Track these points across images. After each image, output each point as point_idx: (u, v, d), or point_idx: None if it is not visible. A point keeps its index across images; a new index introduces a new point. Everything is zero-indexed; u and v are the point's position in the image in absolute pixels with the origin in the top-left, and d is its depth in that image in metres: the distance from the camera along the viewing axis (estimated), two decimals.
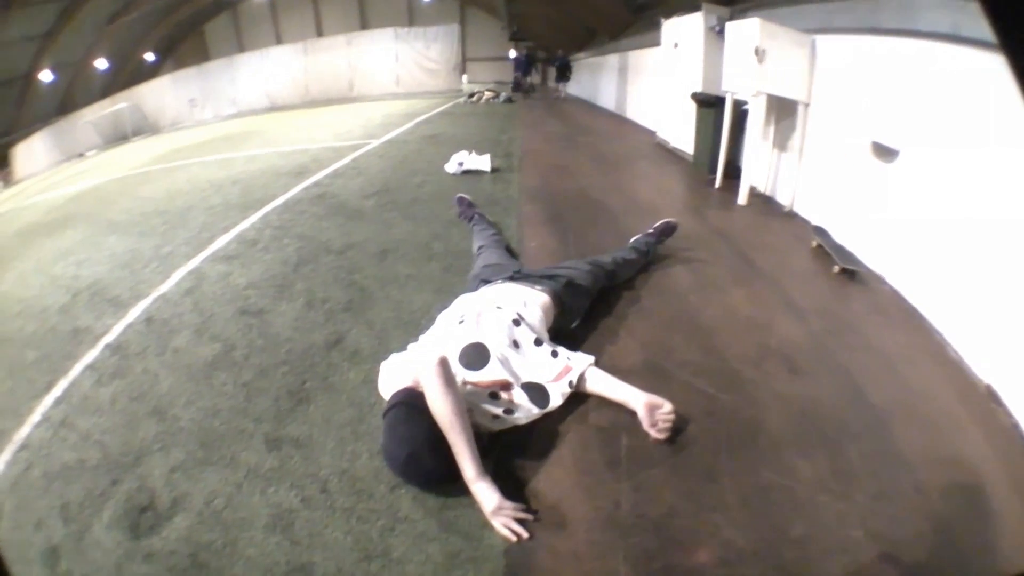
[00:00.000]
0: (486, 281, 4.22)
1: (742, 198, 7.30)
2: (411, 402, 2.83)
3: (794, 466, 2.84)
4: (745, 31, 6.85)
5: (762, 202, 7.41)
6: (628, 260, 4.98)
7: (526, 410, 3.17)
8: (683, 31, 10.06)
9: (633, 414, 3.20)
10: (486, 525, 2.58)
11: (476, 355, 3.25)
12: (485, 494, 2.64)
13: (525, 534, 2.50)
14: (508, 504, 2.61)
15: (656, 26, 11.61)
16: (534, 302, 3.83)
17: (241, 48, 41.95)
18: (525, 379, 3.28)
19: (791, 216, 6.80)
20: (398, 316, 4.64)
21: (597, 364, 3.51)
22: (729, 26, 7.67)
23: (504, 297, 3.82)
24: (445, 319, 3.73)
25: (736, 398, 3.38)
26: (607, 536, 2.51)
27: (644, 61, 14.55)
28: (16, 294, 6.44)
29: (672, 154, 10.89)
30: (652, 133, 12.63)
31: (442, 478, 2.77)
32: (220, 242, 6.94)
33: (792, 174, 6.92)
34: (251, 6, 45.54)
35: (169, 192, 10.74)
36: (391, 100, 28.28)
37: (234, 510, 2.82)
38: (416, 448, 2.72)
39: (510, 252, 5.45)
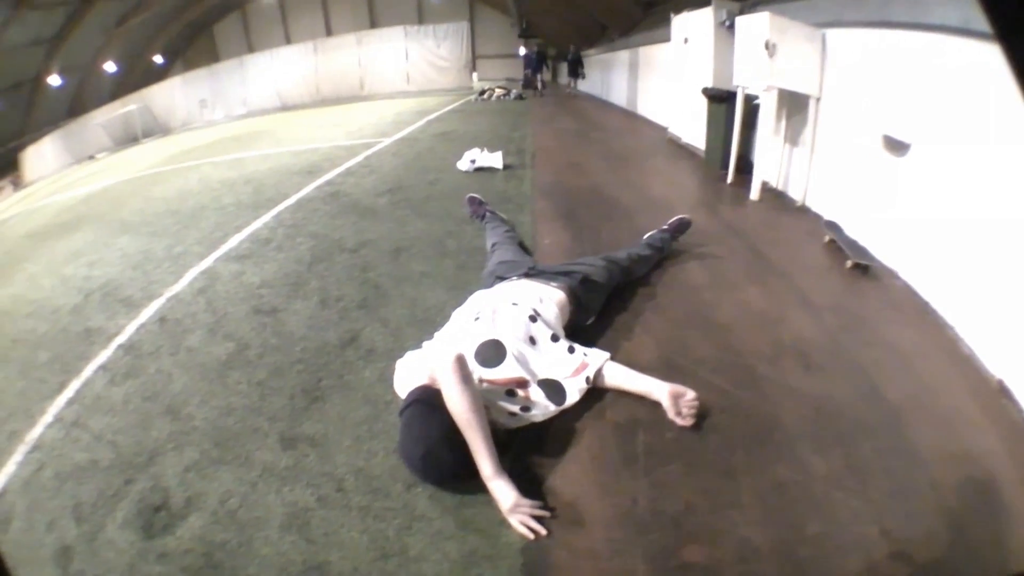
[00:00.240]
0: (501, 278, 4.21)
1: (754, 193, 7.27)
2: (427, 400, 2.82)
3: (809, 463, 2.83)
4: (755, 25, 6.82)
5: (774, 197, 7.37)
6: (643, 256, 4.96)
7: (543, 407, 3.16)
8: (693, 26, 10.02)
9: (651, 408, 3.20)
10: (503, 523, 2.57)
11: (492, 352, 3.24)
12: (502, 491, 2.63)
13: (543, 531, 2.49)
14: (525, 501, 2.59)
15: (666, 22, 11.58)
16: (550, 299, 3.82)
17: (251, 48, 42.07)
18: (542, 376, 3.27)
19: (803, 211, 6.76)
20: (413, 314, 4.64)
21: (613, 361, 3.50)
22: (739, 21, 7.63)
23: (520, 294, 3.80)
24: (460, 316, 3.72)
25: (752, 395, 3.36)
26: (624, 533, 2.49)
27: (655, 57, 14.52)
28: (28, 295, 6.46)
29: (684, 150, 10.86)
30: (664, 129, 12.59)
31: (459, 476, 2.76)
32: (233, 241, 6.95)
33: (804, 169, 6.88)
34: (260, 6, 45.67)
35: (181, 192, 10.77)
36: (402, 98, 28.33)
37: (249, 509, 2.82)
38: (432, 446, 2.71)
39: (524, 249, 5.44)
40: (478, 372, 3.10)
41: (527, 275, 4.16)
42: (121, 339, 4.86)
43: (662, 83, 13.36)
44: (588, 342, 3.69)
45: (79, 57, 33.88)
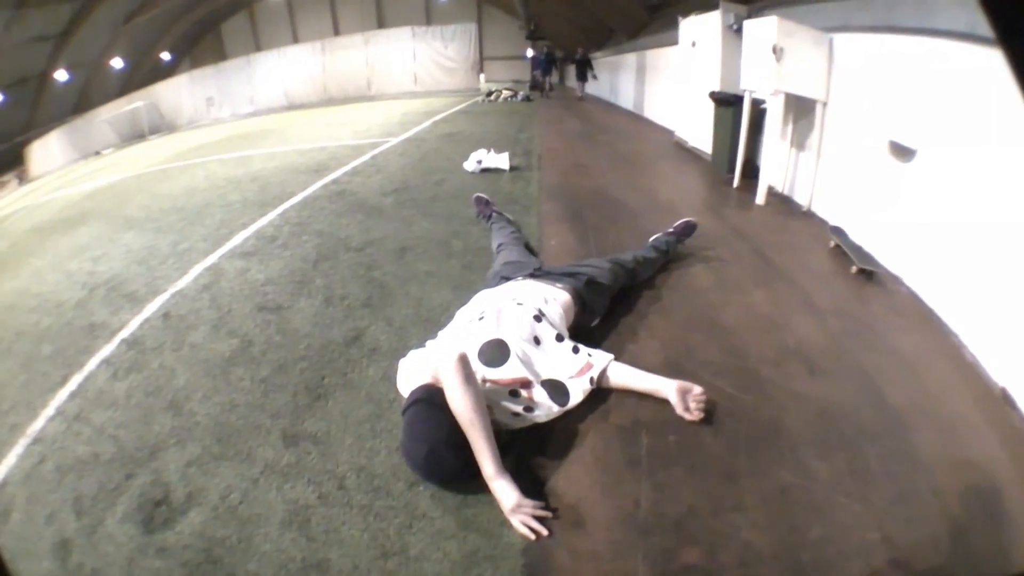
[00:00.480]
0: (506, 278, 4.20)
1: (760, 197, 7.26)
2: (430, 399, 2.82)
3: (812, 467, 2.82)
4: (763, 29, 6.82)
5: (780, 202, 7.36)
6: (648, 259, 4.95)
7: (546, 408, 3.15)
8: (701, 30, 10.02)
9: (655, 411, 3.21)
10: (505, 523, 2.56)
11: (496, 352, 3.23)
12: (504, 492, 2.62)
13: (544, 532, 2.48)
14: (527, 502, 2.59)
15: (674, 25, 11.57)
16: (555, 299, 3.81)
17: (258, 47, 42.08)
18: (545, 376, 3.26)
19: (809, 216, 6.76)
20: (417, 313, 4.64)
21: (618, 362, 3.50)
22: (747, 24, 7.64)
23: (525, 293, 3.79)
24: (464, 315, 3.71)
25: (755, 398, 3.35)
26: (626, 535, 2.48)
27: (662, 60, 14.51)
28: (32, 289, 6.48)
29: (690, 153, 10.85)
30: (670, 132, 12.58)
31: (461, 476, 2.76)
32: (238, 238, 6.95)
33: (810, 173, 6.87)
34: (268, 5, 45.67)
35: (187, 189, 10.79)
36: (409, 99, 28.32)
37: (250, 505, 2.82)
38: (435, 446, 2.71)
39: (529, 250, 5.42)
40: (481, 372, 3.09)
41: (532, 276, 4.15)
42: (125, 334, 4.87)
43: (669, 86, 13.36)
44: (593, 344, 3.68)
45: (86, 53, 33.94)
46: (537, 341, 3.40)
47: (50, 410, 3.95)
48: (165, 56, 41.59)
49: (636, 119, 17.47)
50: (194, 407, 3.69)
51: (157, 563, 2.56)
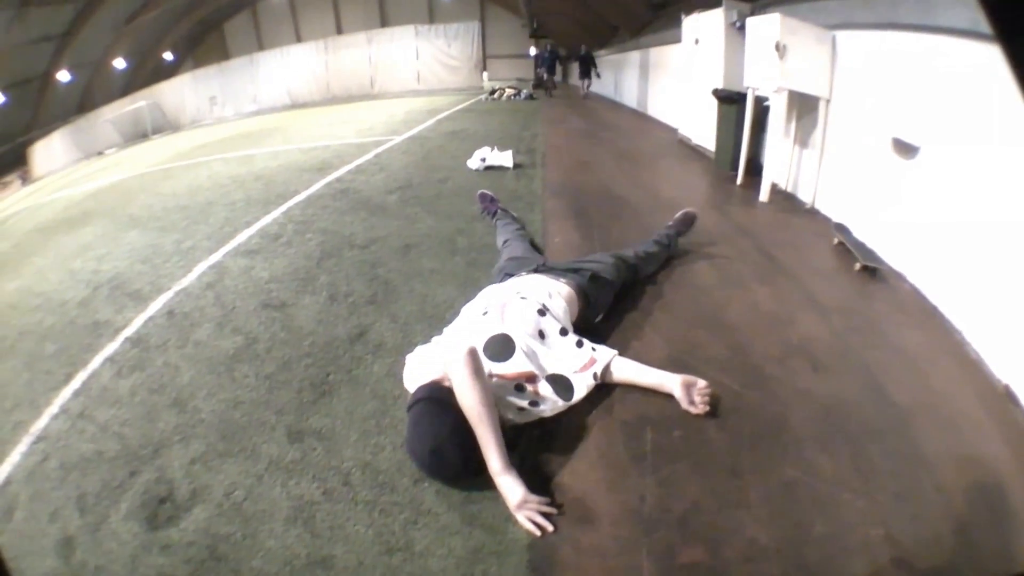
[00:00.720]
0: (510, 274, 4.20)
1: (763, 195, 7.26)
2: (437, 396, 2.82)
3: (817, 463, 2.82)
4: (766, 27, 6.81)
5: (783, 199, 7.36)
6: (651, 254, 4.96)
7: (551, 402, 3.15)
8: (704, 27, 10.01)
9: (660, 406, 3.22)
10: (510, 519, 2.56)
11: (501, 346, 3.23)
12: (510, 487, 2.62)
13: (550, 527, 2.48)
14: (533, 498, 2.59)
15: (677, 22, 11.56)
16: (559, 294, 3.81)
17: (261, 46, 42.01)
18: (550, 371, 3.26)
19: (812, 213, 6.75)
20: (422, 310, 4.64)
21: (622, 357, 3.50)
22: (750, 22, 7.63)
23: (529, 288, 3.79)
24: (469, 311, 3.71)
25: (760, 394, 3.35)
26: (631, 531, 2.48)
27: (665, 58, 14.51)
28: (36, 288, 6.48)
29: (694, 151, 10.84)
30: (674, 130, 12.57)
31: (465, 474, 2.76)
32: (242, 237, 6.96)
33: (813, 171, 6.85)
34: (270, 4, 45.61)
35: (190, 188, 10.79)
36: (412, 97, 28.32)
37: (254, 502, 2.82)
38: (440, 443, 2.71)
39: (534, 247, 5.42)
40: (487, 366, 3.07)
41: (536, 271, 4.15)
42: (129, 332, 4.87)
43: (672, 84, 13.35)
44: (597, 340, 3.67)
45: (89, 53, 33.91)
46: (542, 335, 3.41)
47: (54, 408, 3.95)
48: (168, 56, 41.56)
49: (639, 117, 17.47)
50: (198, 404, 3.69)
51: (161, 560, 2.56)
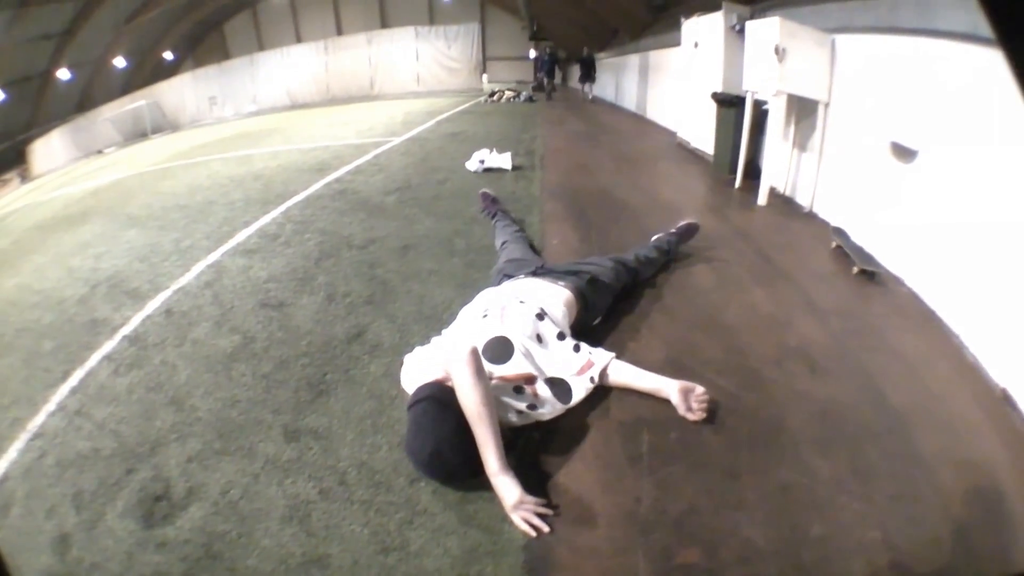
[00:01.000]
0: (509, 276, 4.21)
1: (762, 198, 7.26)
2: (439, 397, 2.81)
3: (814, 466, 2.82)
4: (765, 30, 6.82)
5: (782, 202, 7.36)
6: (650, 259, 4.96)
7: (550, 405, 3.15)
8: (703, 30, 10.02)
9: (656, 408, 3.22)
10: (506, 519, 2.56)
11: (500, 348, 3.23)
12: (507, 488, 2.62)
13: (545, 528, 2.48)
14: (529, 499, 2.59)
15: (676, 26, 11.57)
16: (557, 297, 3.81)
17: (261, 46, 42.06)
18: (548, 374, 3.26)
19: (811, 217, 6.75)
20: (420, 310, 4.64)
21: (619, 360, 3.51)
22: (749, 25, 7.64)
23: (528, 291, 3.80)
24: (468, 313, 3.72)
25: (757, 397, 3.36)
26: (627, 532, 2.48)
27: (664, 61, 14.51)
28: (34, 285, 6.48)
29: (692, 154, 10.86)
30: (673, 133, 12.59)
31: (463, 474, 2.76)
32: (241, 236, 6.96)
33: (812, 174, 6.86)
34: (271, 5, 45.64)
35: (189, 187, 10.79)
36: (412, 98, 28.37)
37: (250, 501, 2.82)
38: (440, 444, 2.71)
39: (532, 249, 5.42)
40: (487, 368, 3.07)
41: (535, 274, 4.15)
42: (127, 330, 4.87)
43: (671, 87, 13.36)
44: (595, 342, 3.68)
45: (89, 52, 33.94)
46: (540, 339, 3.41)
47: (51, 405, 3.95)
48: (168, 55, 41.59)
49: (639, 120, 17.49)
50: (195, 403, 3.69)
51: (157, 558, 2.56)
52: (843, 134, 6.24)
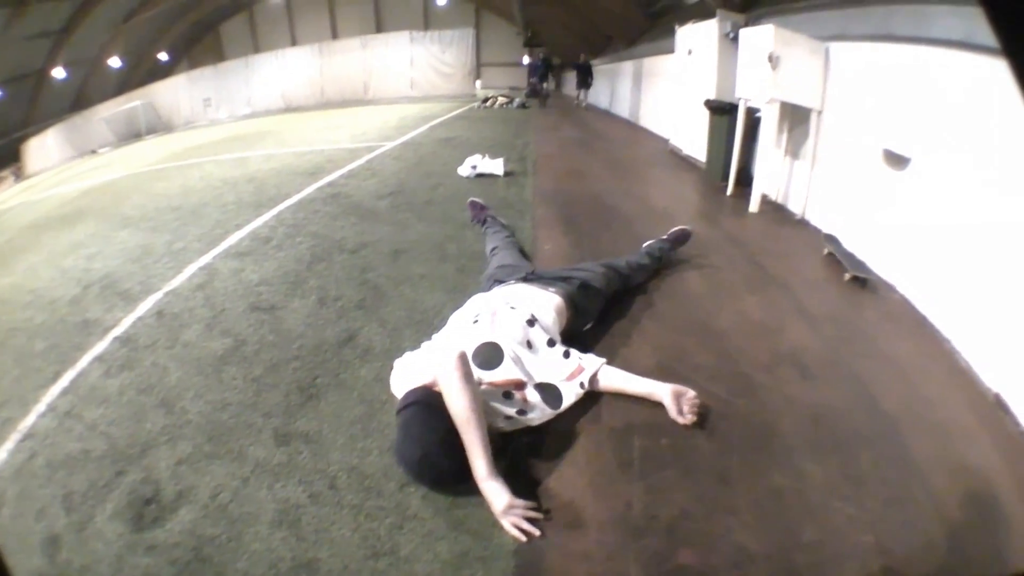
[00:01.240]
0: (500, 281, 4.20)
1: (754, 205, 7.28)
2: (428, 402, 2.80)
3: (806, 470, 2.83)
4: (759, 38, 6.84)
5: (774, 210, 7.38)
6: (642, 265, 4.98)
7: (539, 410, 3.15)
8: (697, 38, 10.05)
9: (647, 413, 3.23)
10: (496, 524, 2.55)
11: (490, 354, 3.23)
12: (495, 493, 2.61)
13: (536, 532, 2.48)
14: (519, 503, 2.58)
15: (671, 33, 11.61)
16: (548, 303, 3.81)
17: (256, 49, 42.05)
18: (538, 379, 3.26)
19: (803, 224, 6.78)
20: (411, 315, 4.63)
21: (610, 366, 3.51)
22: (743, 33, 7.65)
23: (518, 297, 3.80)
24: (459, 318, 3.72)
25: (749, 402, 3.36)
26: (618, 537, 2.48)
27: (658, 68, 14.55)
28: (26, 285, 6.46)
29: (685, 161, 10.89)
30: (665, 140, 12.63)
31: (453, 480, 2.75)
32: (233, 239, 6.94)
33: (804, 182, 6.89)
34: (267, 7, 45.71)
35: (183, 189, 10.76)
36: (406, 103, 28.32)
37: (240, 504, 2.80)
38: (429, 450, 2.70)
39: (523, 254, 5.43)
40: (476, 373, 3.07)
41: (526, 280, 4.16)
42: (118, 331, 4.85)
43: (665, 94, 13.39)
44: (586, 348, 3.69)
45: (85, 51, 33.90)
46: (530, 345, 3.41)
47: (42, 406, 3.93)
48: (163, 56, 41.57)
49: (632, 127, 17.53)
50: (186, 405, 3.67)
51: (146, 561, 2.54)
52: (836, 141, 6.27)
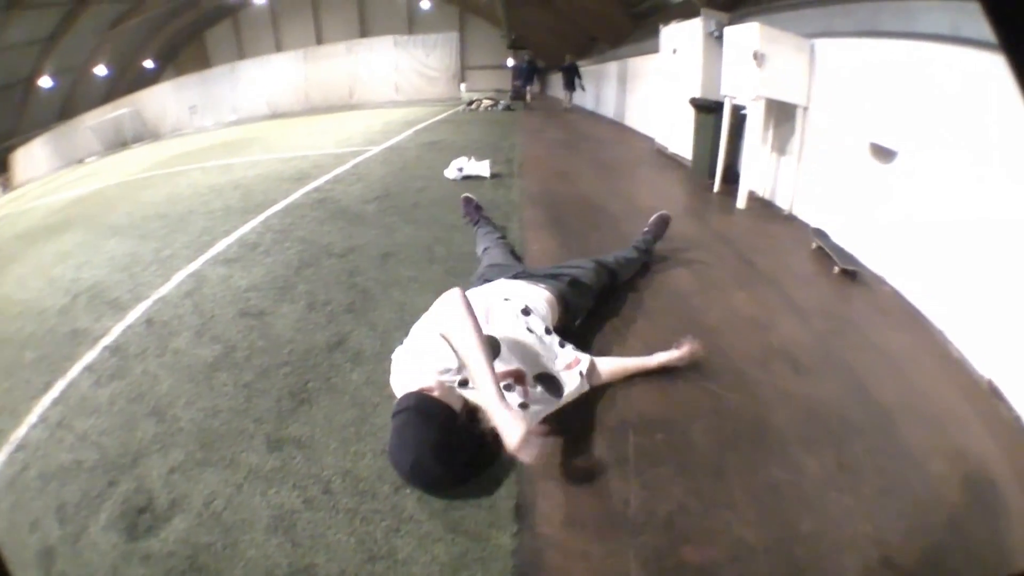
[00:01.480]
0: (489, 280, 4.19)
1: (741, 202, 7.31)
2: (422, 407, 2.77)
3: (802, 463, 2.84)
4: (744, 36, 6.86)
5: (761, 206, 7.42)
6: (629, 259, 4.99)
7: (542, 402, 3.12)
8: (682, 37, 10.09)
9: (640, 410, 3.29)
10: (493, 525, 2.55)
11: (489, 347, 3.22)
12: (514, 420, 2.54)
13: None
14: (537, 429, 2.61)
15: (655, 33, 11.64)
16: (539, 297, 3.81)
17: (242, 55, 41.99)
18: (537, 369, 3.24)
19: (790, 219, 6.81)
20: (401, 318, 4.60)
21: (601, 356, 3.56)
22: (728, 31, 7.67)
23: (511, 291, 3.80)
24: None
25: (742, 396, 3.38)
26: (617, 534, 2.48)
27: (643, 68, 14.59)
28: (15, 296, 6.41)
29: (671, 160, 10.92)
30: (651, 140, 12.67)
31: (446, 485, 2.75)
32: (221, 245, 6.90)
33: (791, 178, 6.92)
34: (251, 13, 45.62)
35: (170, 197, 10.70)
36: (391, 108, 28.22)
37: (234, 511, 2.78)
38: (422, 455, 2.67)
39: (515, 255, 5.42)
40: None
41: (516, 277, 4.15)
42: (107, 340, 4.81)
43: (650, 94, 13.42)
44: (577, 345, 3.67)
45: (72, 59, 33.79)
46: (527, 333, 3.40)
47: (33, 417, 3.90)
48: (149, 63, 41.43)
49: (618, 128, 17.56)
50: (177, 413, 3.64)
51: (141, 571, 2.52)
52: (822, 137, 6.29)
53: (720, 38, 8.23)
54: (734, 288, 4.92)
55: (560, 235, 6.49)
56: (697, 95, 9.08)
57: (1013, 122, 3.34)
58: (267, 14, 46.00)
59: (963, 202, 3.91)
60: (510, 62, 37.44)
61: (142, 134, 32.47)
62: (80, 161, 28.29)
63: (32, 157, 30.43)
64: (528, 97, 30.01)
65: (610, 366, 3.49)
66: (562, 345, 3.45)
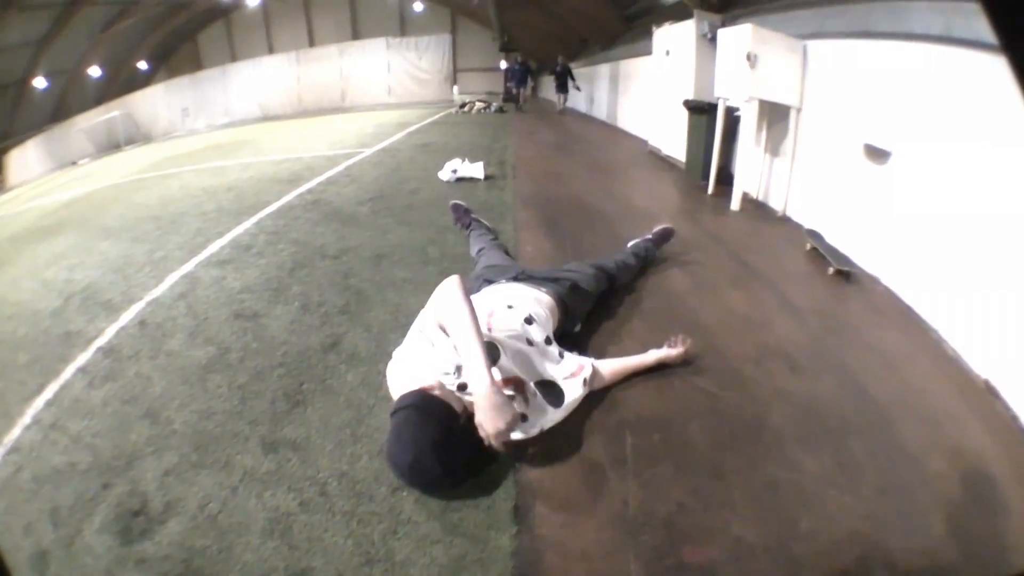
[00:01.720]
0: (489, 281, 4.17)
1: (735, 203, 7.32)
2: (420, 406, 2.77)
3: (799, 461, 2.85)
4: (737, 37, 6.88)
5: (755, 207, 7.44)
6: (628, 264, 5.00)
7: (543, 411, 3.09)
8: (675, 38, 10.11)
9: (637, 411, 3.29)
10: (492, 526, 2.54)
11: (488, 353, 3.20)
12: (504, 407, 2.66)
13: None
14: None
15: (648, 35, 11.65)
16: (540, 303, 3.79)
17: (234, 57, 41.91)
18: (538, 378, 3.22)
19: (784, 220, 6.83)
20: (395, 319, 4.59)
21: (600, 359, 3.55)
22: (721, 33, 7.69)
23: (515, 297, 3.77)
24: None
25: (739, 396, 3.39)
26: (616, 534, 2.48)
27: (636, 70, 14.62)
28: (8, 297, 6.37)
29: (664, 161, 10.95)
30: (644, 141, 12.70)
31: (444, 485, 2.73)
32: (214, 247, 6.87)
33: (785, 179, 6.93)
34: (244, 15, 45.46)
35: (162, 199, 10.66)
36: (383, 110, 28.23)
37: (229, 514, 2.76)
38: (421, 455, 2.66)
39: (508, 256, 5.41)
40: None
41: (516, 279, 4.13)
42: (101, 342, 4.78)
43: (643, 96, 13.43)
44: (575, 348, 3.67)
45: (65, 60, 33.66)
46: (529, 343, 3.38)
47: (26, 419, 3.86)
48: (142, 65, 41.32)
49: (610, 129, 17.62)
50: (171, 415, 3.62)
51: (136, 574, 2.50)
52: (816, 138, 6.31)
53: (713, 40, 8.26)
54: (729, 289, 4.93)
55: (554, 236, 6.49)
56: (690, 97, 9.10)
57: (1006, 122, 3.35)
58: (259, 16, 45.85)
59: (957, 202, 3.92)
60: (502, 64, 37.41)
61: (134, 136, 32.45)
62: (73, 163, 28.23)
63: (25, 159, 30.37)
64: (521, 100, 29.99)
65: (611, 368, 3.50)
66: (562, 356, 3.43)
